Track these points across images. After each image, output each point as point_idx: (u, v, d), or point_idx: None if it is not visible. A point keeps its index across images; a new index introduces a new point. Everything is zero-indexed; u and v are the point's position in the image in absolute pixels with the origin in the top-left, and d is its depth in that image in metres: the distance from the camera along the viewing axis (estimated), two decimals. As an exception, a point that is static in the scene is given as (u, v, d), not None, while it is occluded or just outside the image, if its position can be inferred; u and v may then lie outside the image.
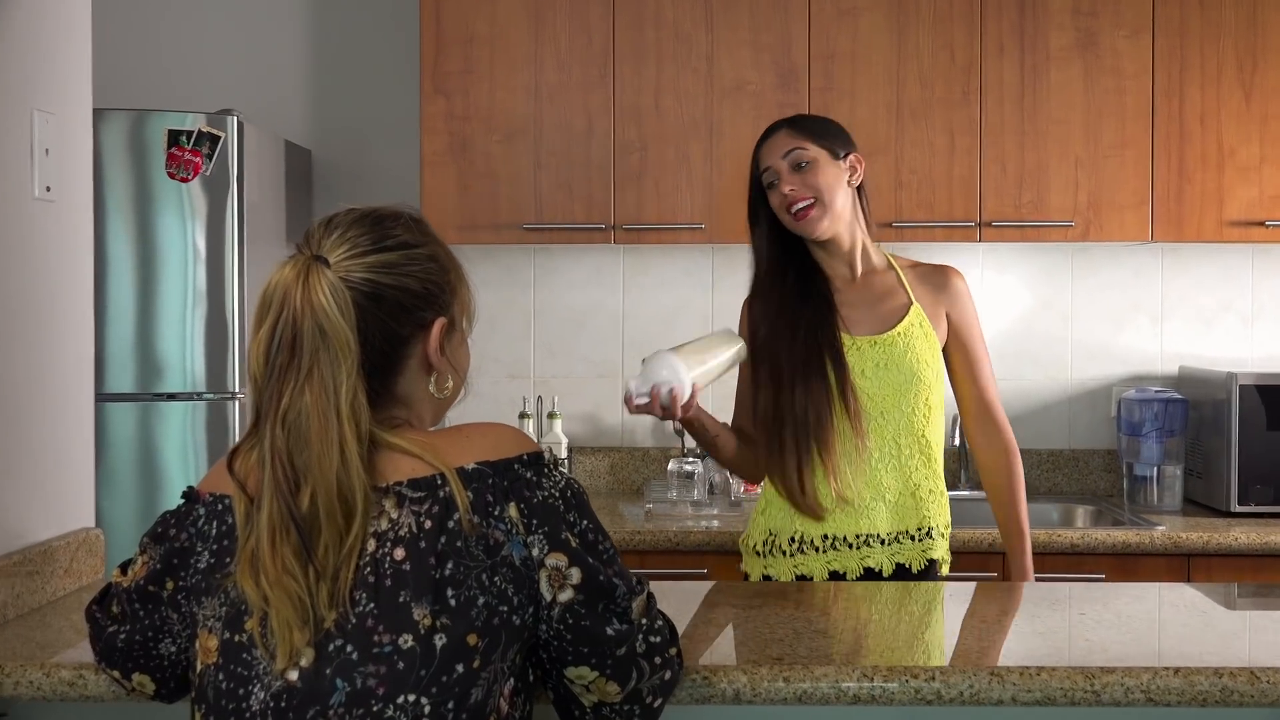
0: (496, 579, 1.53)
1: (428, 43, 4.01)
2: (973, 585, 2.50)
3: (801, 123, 2.84)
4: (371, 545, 1.53)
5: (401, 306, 1.61)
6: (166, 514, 1.67)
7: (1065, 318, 4.37)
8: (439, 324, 1.64)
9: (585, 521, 1.61)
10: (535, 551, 1.56)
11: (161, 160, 3.64)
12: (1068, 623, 2.17)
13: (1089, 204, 3.96)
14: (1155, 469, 4.02)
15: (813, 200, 2.76)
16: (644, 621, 1.63)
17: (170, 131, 3.65)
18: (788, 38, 3.98)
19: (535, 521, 1.57)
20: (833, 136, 2.82)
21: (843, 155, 2.80)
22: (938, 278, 2.90)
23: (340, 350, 1.54)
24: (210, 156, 3.64)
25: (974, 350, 2.92)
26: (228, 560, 1.57)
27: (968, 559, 3.63)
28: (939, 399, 2.84)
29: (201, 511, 1.63)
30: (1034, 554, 3.60)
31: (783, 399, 2.77)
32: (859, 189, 2.84)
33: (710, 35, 3.99)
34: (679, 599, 2.28)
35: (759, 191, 2.86)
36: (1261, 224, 3.93)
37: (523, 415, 4.31)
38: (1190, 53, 3.95)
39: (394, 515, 1.54)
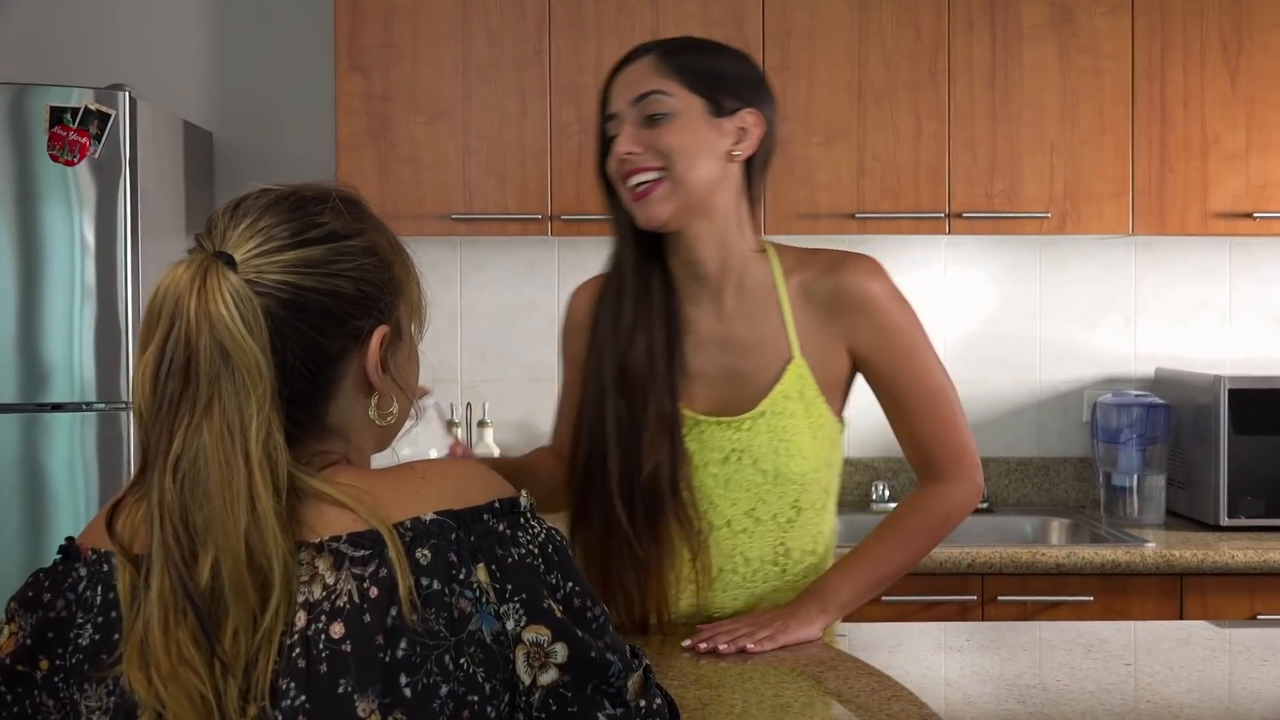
0: (463, 660, 1.23)
1: (343, 13, 3.66)
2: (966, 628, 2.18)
3: (676, 51, 2.01)
4: (300, 619, 1.22)
5: (330, 316, 1.30)
6: (40, 573, 1.35)
7: (1033, 316, 4.08)
8: (379, 334, 1.33)
9: (570, 583, 1.30)
10: (510, 624, 1.25)
11: (43, 141, 3.25)
12: (1121, 676, 1.86)
13: (1065, 194, 3.69)
14: (1135, 479, 3.74)
15: (660, 173, 1.96)
16: (641, 704, 1.34)
17: (53, 109, 3.26)
18: (740, 12, 3.66)
19: (510, 587, 1.26)
20: (719, 79, 2.00)
21: (729, 110, 1.99)
22: (831, 289, 2.04)
23: (248, 376, 1.23)
24: (98, 137, 3.25)
25: (902, 387, 2.07)
26: (116, 637, 1.26)
27: (944, 581, 3.33)
28: (822, 491, 2.13)
29: (83, 572, 1.31)
30: (1016, 575, 3.33)
31: (593, 490, 2.08)
32: (748, 163, 2.03)
33: (655, 8, 3.67)
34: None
35: (606, 143, 2.04)
36: (1249, 215, 3.67)
37: (451, 424, 3.94)
38: (1172, 32, 3.68)
39: (329, 580, 1.23)
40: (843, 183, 3.68)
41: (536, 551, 1.29)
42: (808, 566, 2.13)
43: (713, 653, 1.93)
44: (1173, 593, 3.36)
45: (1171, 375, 3.93)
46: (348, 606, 1.21)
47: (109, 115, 3.26)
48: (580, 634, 1.28)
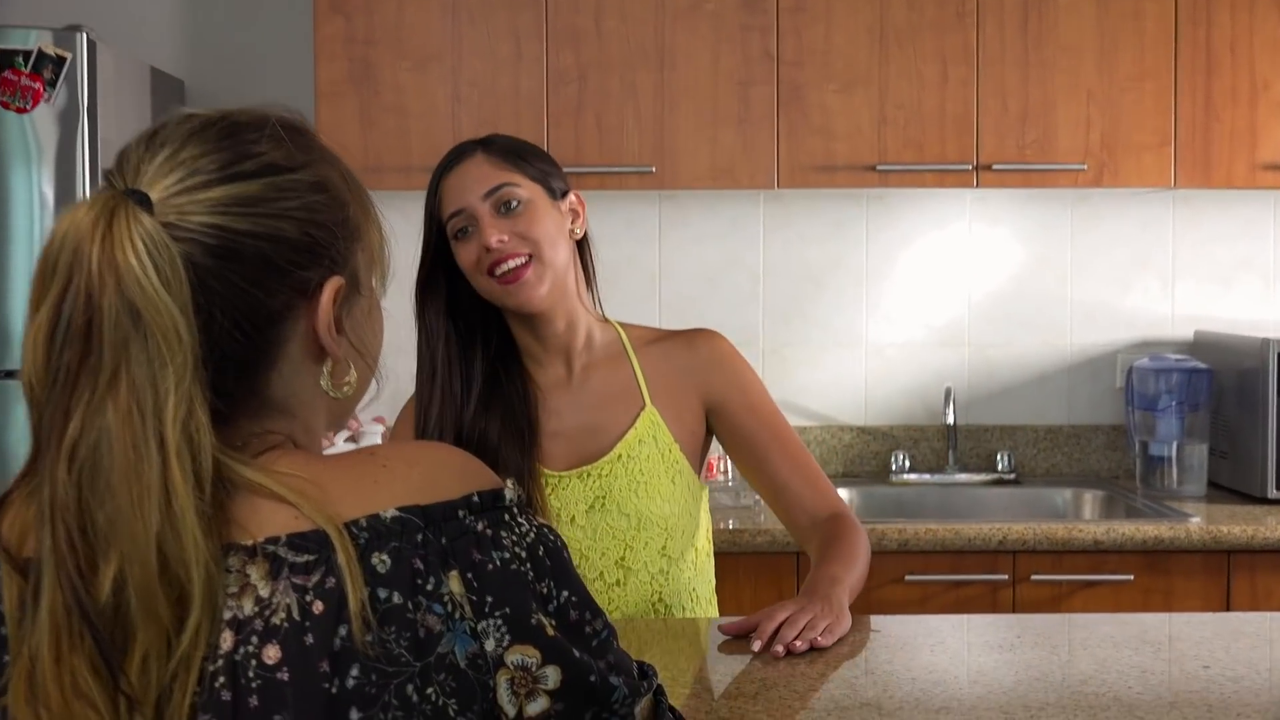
0: (430, 691, 1.01)
1: (323, -50, 3.38)
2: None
3: (504, 147, 2.11)
4: (226, 641, 1.00)
5: (270, 265, 1.08)
6: None
7: (1064, 276, 3.82)
8: (332, 287, 1.11)
9: (566, 593, 1.08)
10: (491, 644, 1.03)
11: (-11, 86, 2.98)
12: (1202, 683, 1.61)
13: (1102, 144, 3.43)
14: (1174, 448, 3.49)
15: (528, 257, 2.02)
16: None
17: (3, 51, 3.01)
18: (751, -53, 3.39)
19: (491, 598, 1.04)
20: (547, 168, 2.12)
21: (560, 194, 2.11)
22: (683, 348, 2.16)
23: (163, 341, 1.01)
24: (53, 83, 2.99)
25: (755, 430, 2.13)
26: (6, 658, 1.04)
27: (973, 559, 3.09)
28: (688, 542, 2.12)
29: None
30: (1050, 552, 3.09)
31: None
32: (581, 243, 2.15)
33: (660, -56, 3.39)
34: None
35: (440, 245, 2.09)
36: (1299, 167, 3.41)
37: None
38: (1217, -32, 3.41)
39: (263, 591, 1.01)
40: (862, 133, 3.42)
41: (524, 555, 1.06)
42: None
43: (789, 652, 1.78)
44: (1219, 571, 3.12)
45: (1213, 338, 3.67)
46: (286, 625, 0.99)
47: (64, 59, 3.00)
48: (577, 654, 1.06)
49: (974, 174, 3.42)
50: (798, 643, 1.78)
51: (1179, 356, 3.58)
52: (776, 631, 1.81)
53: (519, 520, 1.08)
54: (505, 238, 2.01)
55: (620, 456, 2.08)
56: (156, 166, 1.06)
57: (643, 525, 2.06)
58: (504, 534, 1.05)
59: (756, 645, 1.79)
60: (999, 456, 3.72)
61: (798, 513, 2.12)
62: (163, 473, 0.99)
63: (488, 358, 2.11)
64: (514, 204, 2.03)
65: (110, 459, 0.99)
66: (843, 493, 3.57)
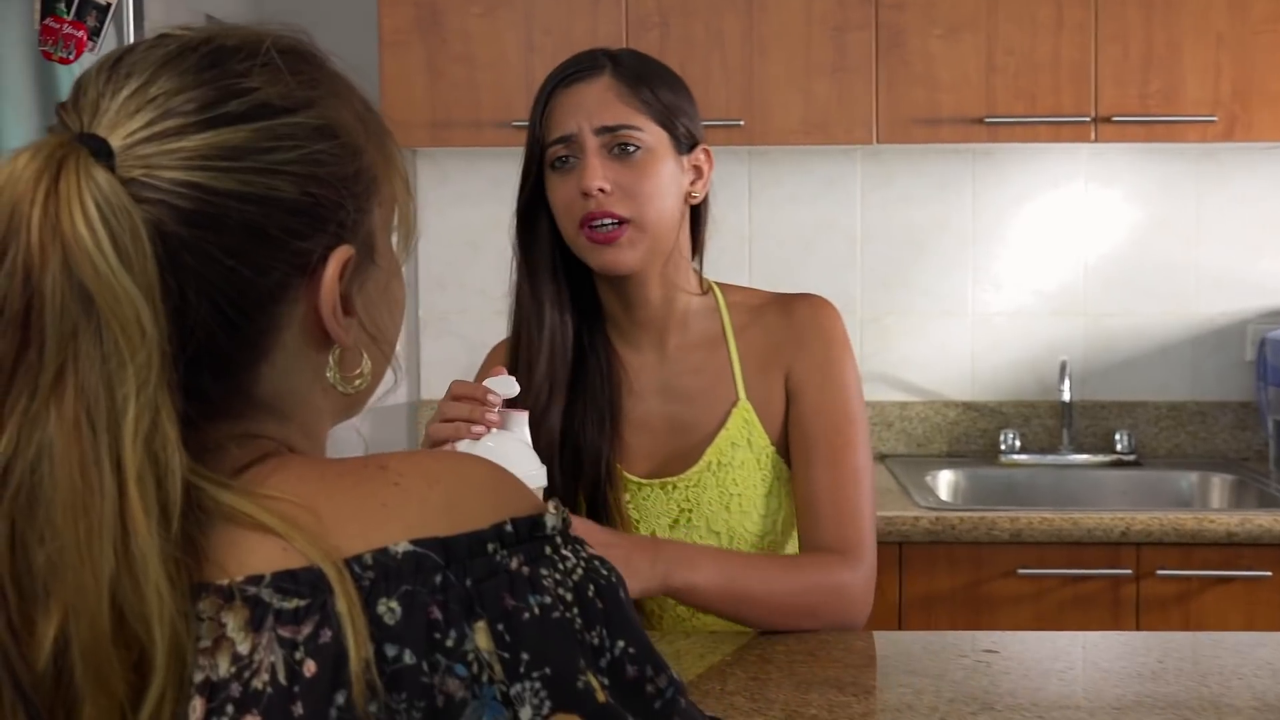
0: None
1: (387, -111, 3.16)
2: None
3: (637, 72, 1.79)
4: (196, 710, 0.80)
5: (261, 235, 0.87)
6: None
7: (1189, 240, 3.51)
8: (338, 258, 0.90)
9: (622, 643, 0.86)
10: (527, 713, 0.81)
11: (33, 36, 2.78)
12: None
13: (1234, 94, 3.12)
14: (1312, 429, 3.18)
15: (626, 219, 1.74)
16: None
17: (43, -3, 2.79)
18: (849, -120, 3.11)
19: (527, 656, 0.82)
20: (680, 110, 1.79)
21: (688, 146, 1.80)
22: (779, 316, 1.86)
23: (123, 334, 0.80)
24: (97, 31, 2.79)
25: (817, 431, 1.80)
26: None
27: (1092, 552, 2.81)
28: (782, 551, 1.87)
29: None
30: (1178, 545, 2.81)
31: None
32: (697, 206, 1.85)
33: (750, -123, 3.12)
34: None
35: (539, 169, 1.80)
36: None
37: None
38: (1368, -104, 3.08)
39: (243, 646, 0.80)
40: (969, 82, 3.14)
41: (570, 598, 0.84)
42: None
43: None
44: (1368, 568, 2.82)
45: (1355, 307, 3.35)
46: (269, 690, 0.79)
47: (109, 4, 2.80)
48: None
49: (1091, 127, 3.13)
50: None
51: (1318, 327, 3.28)
52: None
53: (563, 553, 0.85)
54: (608, 187, 1.72)
55: (710, 464, 1.81)
56: (120, 104, 0.85)
57: (734, 546, 1.80)
58: (545, 571, 0.83)
59: None
60: (1117, 436, 3.43)
61: (806, 538, 1.78)
62: (119, 503, 0.78)
63: (576, 317, 1.85)
64: (631, 149, 1.74)
65: (52, 484, 0.79)
66: (947, 474, 3.31)
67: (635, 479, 1.83)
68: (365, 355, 0.94)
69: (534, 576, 0.82)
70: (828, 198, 3.53)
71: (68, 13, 2.79)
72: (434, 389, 3.55)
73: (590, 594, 0.84)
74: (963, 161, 3.50)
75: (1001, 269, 3.52)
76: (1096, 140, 3.14)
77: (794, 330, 1.84)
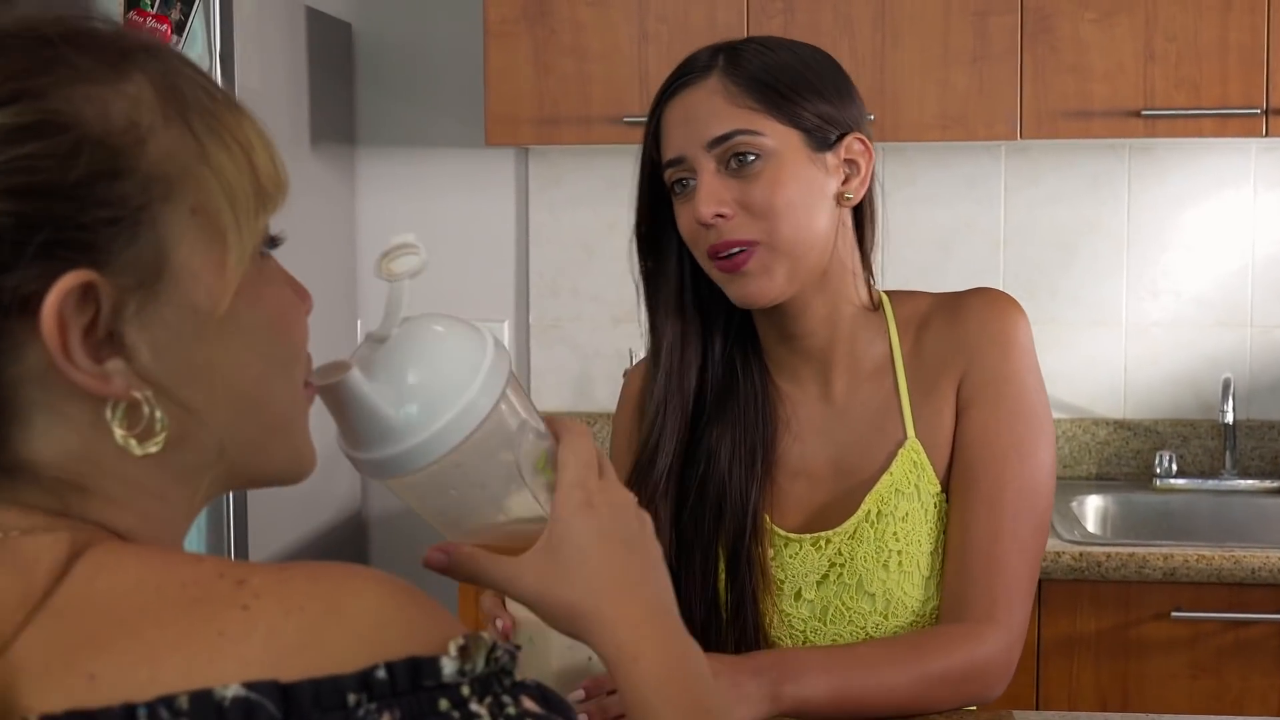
0: None
1: None
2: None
3: (754, 71, 1.53)
4: None
5: None
6: None
7: (1373, 244, 3.19)
8: (62, 287, 0.71)
9: None
10: None
11: (117, 28, 2.67)
12: None
13: None
14: None
15: (753, 242, 1.50)
16: None
17: (128, -12, 2.70)
18: None
19: None
20: (818, 99, 1.54)
21: (830, 140, 1.54)
22: (947, 320, 1.61)
23: None
24: (182, 25, 2.66)
25: (980, 458, 1.55)
26: None
27: (1257, 594, 2.53)
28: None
29: None
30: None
31: None
32: (859, 207, 1.60)
33: None
34: None
35: (656, 189, 1.59)
36: None
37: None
38: None
39: None
40: (1125, 71, 2.87)
41: None
42: None
43: None
44: None
45: None
46: None
47: (195, -3, 2.68)
48: None
49: (1263, 120, 2.85)
50: None
51: None
52: None
53: (470, 708, 0.65)
54: (726, 211, 1.49)
55: (869, 514, 1.56)
56: None
57: (892, 611, 1.55)
58: None
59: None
60: (1287, 459, 3.14)
61: (948, 589, 1.54)
62: None
63: (726, 342, 1.63)
64: (750, 158, 1.50)
65: None
66: (1096, 499, 3.04)
67: (784, 533, 1.59)
68: (156, 404, 0.73)
69: None
70: (967, 197, 3.28)
71: (151, 5, 2.67)
72: (544, 401, 3.36)
73: None
74: (1117, 158, 3.23)
75: (1159, 276, 3.24)
76: (1268, 135, 2.86)
77: (965, 331, 1.59)
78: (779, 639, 1.58)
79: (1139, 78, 2.88)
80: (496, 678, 0.68)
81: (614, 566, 0.94)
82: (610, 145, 3.02)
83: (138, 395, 0.72)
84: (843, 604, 1.56)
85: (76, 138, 0.71)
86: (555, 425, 0.99)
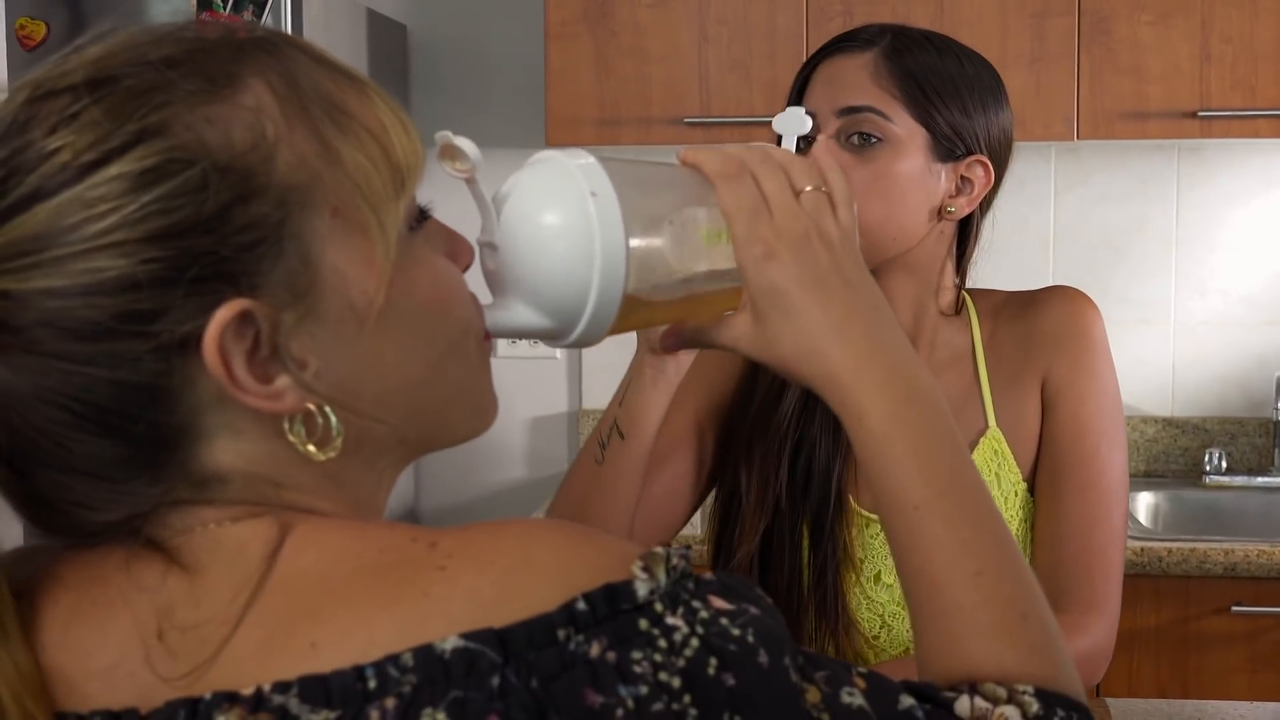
0: None
1: (555, -127, 3.02)
2: None
3: (919, 55, 1.53)
4: None
5: (94, 331, 0.71)
6: None
7: None
8: (219, 321, 0.70)
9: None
10: None
11: (191, 30, 2.70)
12: None
13: None
14: None
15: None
16: None
17: (201, -10, 2.71)
18: None
19: None
20: (956, 104, 1.53)
21: (960, 153, 1.54)
22: (1024, 317, 1.64)
23: None
24: (254, 26, 2.68)
25: (1067, 453, 1.58)
26: None
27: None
28: None
29: None
30: None
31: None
32: (963, 224, 1.61)
33: None
34: None
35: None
36: None
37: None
38: None
39: None
40: (1181, 72, 2.89)
41: (677, 683, 0.67)
42: None
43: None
44: None
45: None
46: None
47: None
48: None
49: (1318, 122, 2.87)
50: None
51: None
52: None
53: (669, 623, 0.68)
54: None
55: None
56: None
57: None
58: (638, 655, 0.67)
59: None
60: (1336, 457, 3.16)
61: (1045, 582, 1.52)
62: None
63: None
64: (872, 140, 1.50)
65: None
66: (1146, 496, 3.06)
67: (865, 513, 1.60)
68: (330, 410, 0.74)
69: (623, 663, 0.66)
70: (1018, 197, 3.29)
71: (224, 6, 2.69)
72: (595, 397, 3.39)
73: (711, 671, 0.67)
74: (1166, 159, 3.25)
75: (1207, 275, 3.26)
76: (1321, 137, 2.88)
77: (1048, 328, 1.62)
78: (862, 620, 1.60)
79: (1195, 79, 2.89)
80: (681, 585, 0.70)
81: (814, 314, 0.90)
82: (670, 146, 3.04)
83: (311, 406, 0.73)
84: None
85: (204, 169, 0.70)
86: (705, 171, 0.95)
